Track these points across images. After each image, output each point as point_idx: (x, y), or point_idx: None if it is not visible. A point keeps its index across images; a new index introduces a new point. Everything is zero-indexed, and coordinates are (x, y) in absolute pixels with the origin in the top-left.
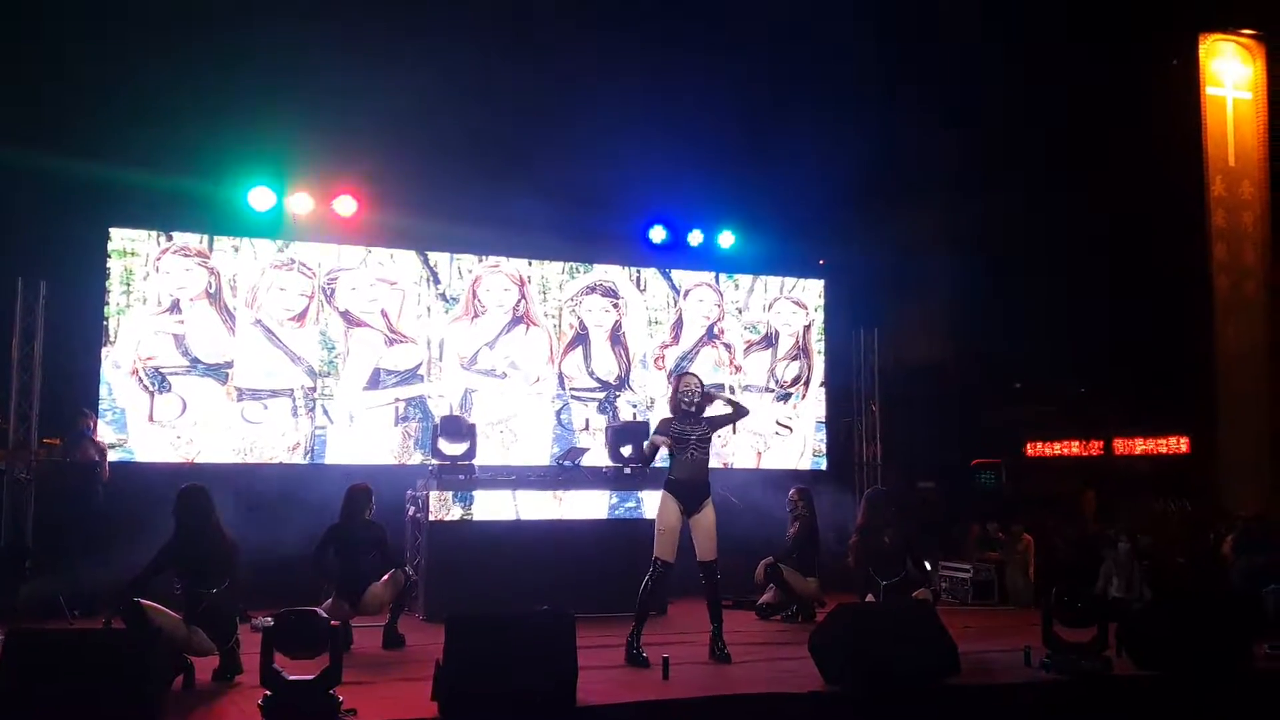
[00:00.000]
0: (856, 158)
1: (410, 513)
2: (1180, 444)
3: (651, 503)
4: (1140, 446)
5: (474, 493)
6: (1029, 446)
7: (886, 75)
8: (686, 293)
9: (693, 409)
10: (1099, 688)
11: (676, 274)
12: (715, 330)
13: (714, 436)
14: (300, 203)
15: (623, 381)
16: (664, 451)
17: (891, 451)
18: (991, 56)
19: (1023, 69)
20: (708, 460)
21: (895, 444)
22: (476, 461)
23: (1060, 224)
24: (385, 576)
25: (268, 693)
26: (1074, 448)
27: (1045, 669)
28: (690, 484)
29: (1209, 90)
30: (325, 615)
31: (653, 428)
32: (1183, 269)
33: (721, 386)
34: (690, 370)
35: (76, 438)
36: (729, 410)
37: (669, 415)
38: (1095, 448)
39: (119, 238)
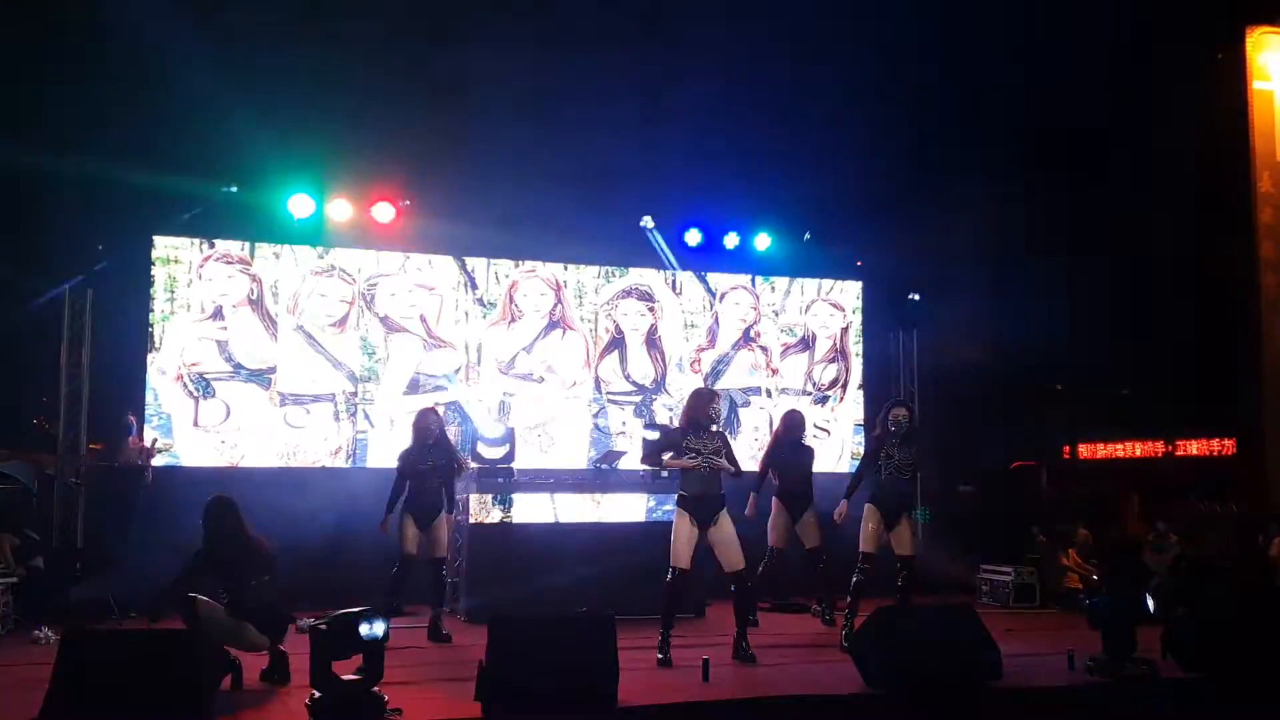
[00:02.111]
0: (894, 158)
1: (454, 516)
2: (1226, 445)
3: None
4: (1185, 448)
5: (513, 495)
6: (1071, 449)
7: (924, 74)
8: (722, 296)
9: (713, 426)
10: (1145, 691)
11: (712, 277)
12: (752, 333)
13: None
14: (339, 209)
15: (659, 385)
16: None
17: (931, 454)
18: (1032, 52)
19: (1064, 64)
20: (719, 475)
21: (934, 447)
22: (515, 465)
23: (1103, 222)
24: (449, 516)
25: (315, 693)
26: (1117, 450)
27: (1090, 672)
28: (702, 498)
29: (1256, 84)
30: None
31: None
32: (1228, 267)
33: (758, 390)
34: (715, 391)
35: (121, 440)
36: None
37: (681, 426)
38: (1139, 449)
39: (162, 245)
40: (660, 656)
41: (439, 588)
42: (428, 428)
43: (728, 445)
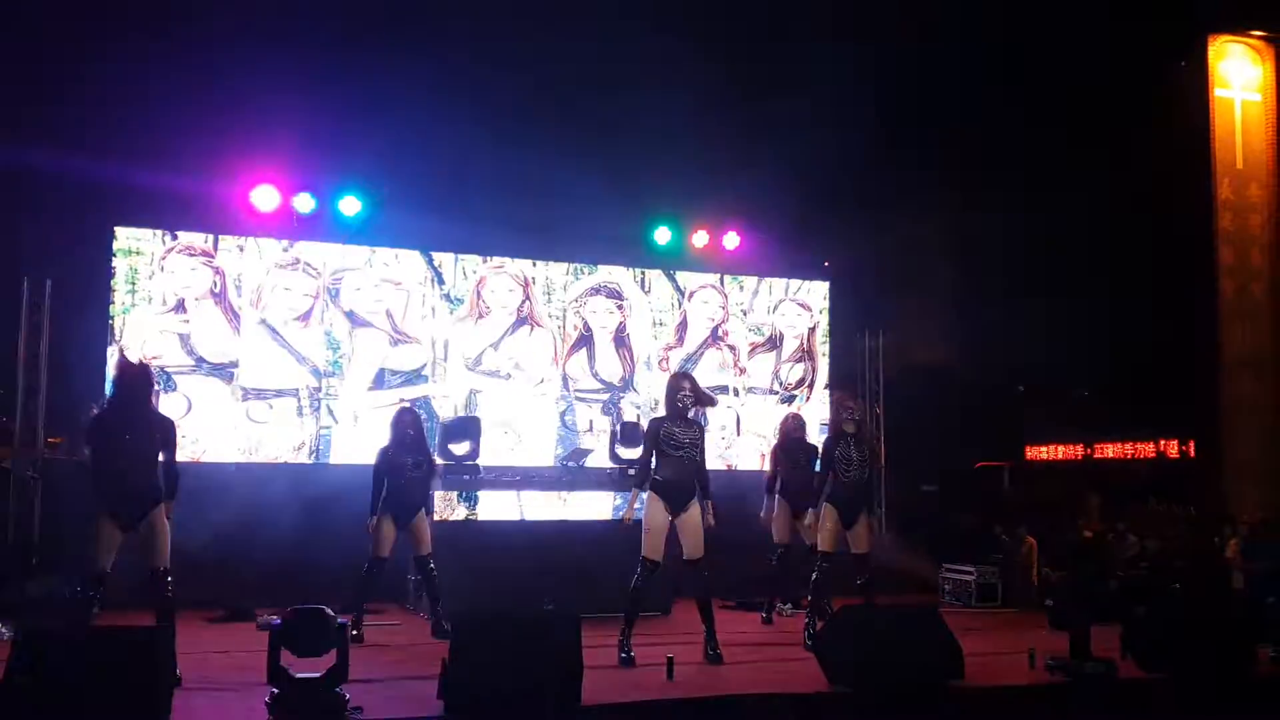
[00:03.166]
0: (861, 160)
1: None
2: (1184, 448)
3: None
4: (1143, 450)
5: (478, 493)
6: (1032, 449)
7: (889, 76)
8: (691, 294)
9: (688, 410)
10: (1104, 690)
11: (681, 275)
12: (720, 332)
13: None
14: (305, 203)
15: (627, 383)
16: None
17: (895, 454)
18: (996, 57)
19: (1028, 69)
20: (696, 464)
21: (899, 447)
22: (481, 462)
23: (1065, 227)
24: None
25: (274, 690)
26: (1077, 451)
27: (1050, 671)
28: (677, 484)
29: (1217, 92)
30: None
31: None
32: (1188, 272)
33: (725, 389)
34: (686, 371)
35: (82, 432)
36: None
37: (661, 415)
38: (1098, 451)
39: (124, 236)
40: (623, 655)
41: (434, 585)
42: (405, 426)
43: (703, 439)
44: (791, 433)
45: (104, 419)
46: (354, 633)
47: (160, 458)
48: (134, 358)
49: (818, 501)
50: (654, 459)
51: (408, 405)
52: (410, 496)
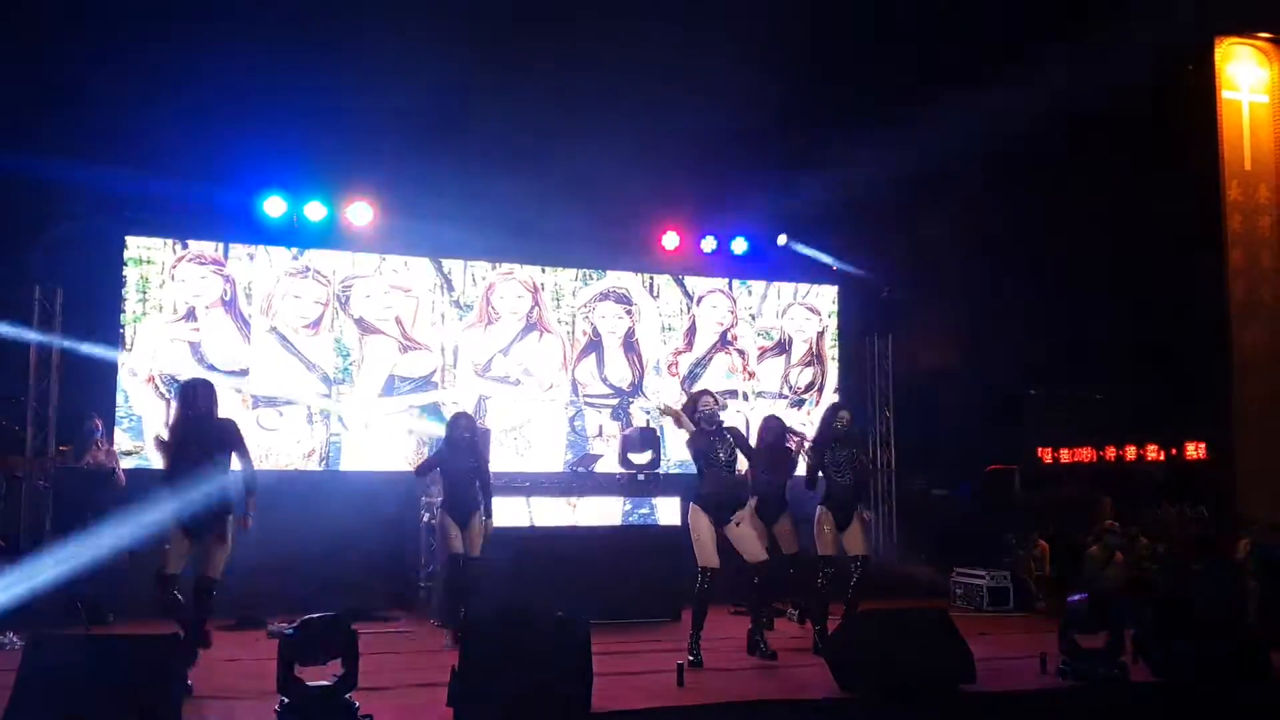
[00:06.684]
0: (869, 163)
1: (425, 519)
2: (1197, 450)
3: (665, 508)
4: (1155, 453)
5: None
6: (1043, 452)
7: (898, 80)
8: (700, 299)
9: (713, 426)
10: (1115, 694)
11: (690, 280)
12: (729, 337)
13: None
14: (315, 210)
15: (636, 388)
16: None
17: (905, 458)
18: (1004, 59)
19: (1036, 72)
20: (736, 477)
21: (909, 450)
22: (490, 468)
23: (1075, 229)
24: (485, 520)
25: (284, 699)
26: (1088, 453)
27: (1061, 676)
28: (720, 497)
29: (1225, 94)
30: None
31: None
32: (1198, 274)
33: (735, 393)
34: (705, 389)
35: (85, 441)
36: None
37: (695, 428)
38: (1110, 453)
39: (135, 246)
40: (691, 658)
41: (466, 585)
42: (460, 429)
43: (742, 440)
44: (767, 436)
45: (175, 434)
46: (445, 643)
47: (237, 464)
48: (195, 374)
49: (813, 506)
50: (698, 474)
51: (463, 410)
52: (465, 498)
